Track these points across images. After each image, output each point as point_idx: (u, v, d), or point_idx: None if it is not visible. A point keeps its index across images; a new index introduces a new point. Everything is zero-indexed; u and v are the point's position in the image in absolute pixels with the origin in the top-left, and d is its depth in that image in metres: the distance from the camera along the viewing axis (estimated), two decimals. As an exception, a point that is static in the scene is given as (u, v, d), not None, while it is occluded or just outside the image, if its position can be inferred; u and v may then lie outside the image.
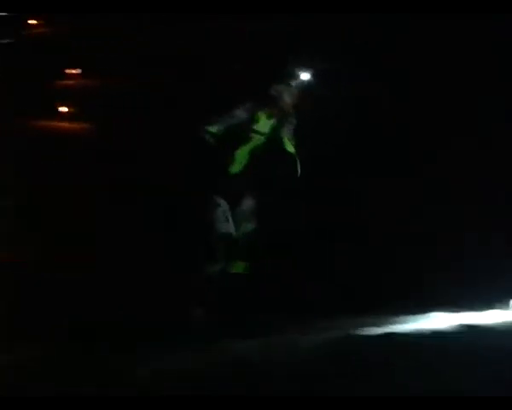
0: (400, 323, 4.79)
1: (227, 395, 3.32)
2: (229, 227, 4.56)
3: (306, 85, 4.72)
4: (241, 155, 4.58)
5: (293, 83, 4.62)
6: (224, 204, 4.57)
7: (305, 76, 4.68)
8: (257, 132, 4.58)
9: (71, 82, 7.86)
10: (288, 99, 4.56)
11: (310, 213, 5.39)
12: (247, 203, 4.64)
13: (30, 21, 7.66)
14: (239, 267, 4.66)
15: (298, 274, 5.18)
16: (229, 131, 4.51)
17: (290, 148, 4.62)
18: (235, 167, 4.58)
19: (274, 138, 4.57)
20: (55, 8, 6.59)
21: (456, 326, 4.67)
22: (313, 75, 4.74)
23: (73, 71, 7.73)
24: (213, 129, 4.48)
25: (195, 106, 6.23)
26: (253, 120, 4.53)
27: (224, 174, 4.59)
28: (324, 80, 4.94)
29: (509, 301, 5.25)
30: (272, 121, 4.59)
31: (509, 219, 6.35)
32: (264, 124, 4.58)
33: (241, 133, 4.53)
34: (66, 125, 7.66)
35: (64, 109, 7.66)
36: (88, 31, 7.50)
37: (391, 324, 4.76)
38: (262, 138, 4.58)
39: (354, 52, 6.81)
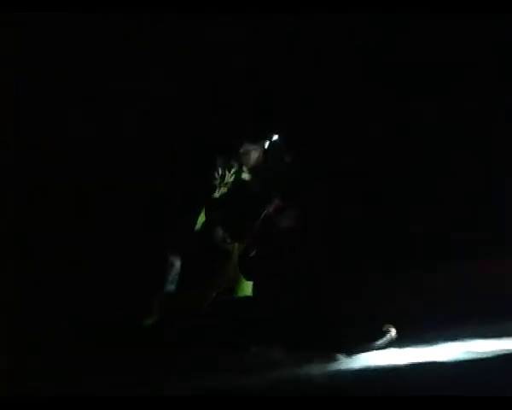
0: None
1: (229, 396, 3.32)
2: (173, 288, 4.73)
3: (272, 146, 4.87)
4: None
5: (262, 143, 4.83)
6: (177, 265, 4.74)
7: (272, 138, 4.86)
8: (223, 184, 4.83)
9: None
10: (254, 156, 4.81)
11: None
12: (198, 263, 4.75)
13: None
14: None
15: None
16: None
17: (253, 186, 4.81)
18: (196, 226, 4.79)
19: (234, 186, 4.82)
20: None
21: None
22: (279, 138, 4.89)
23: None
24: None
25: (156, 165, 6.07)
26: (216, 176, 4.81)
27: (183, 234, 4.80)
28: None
29: None
30: (233, 173, 4.84)
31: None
32: (228, 176, 4.84)
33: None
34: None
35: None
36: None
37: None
38: (224, 189, 4.82)
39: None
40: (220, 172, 4.83)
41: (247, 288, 4.64)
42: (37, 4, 6.60)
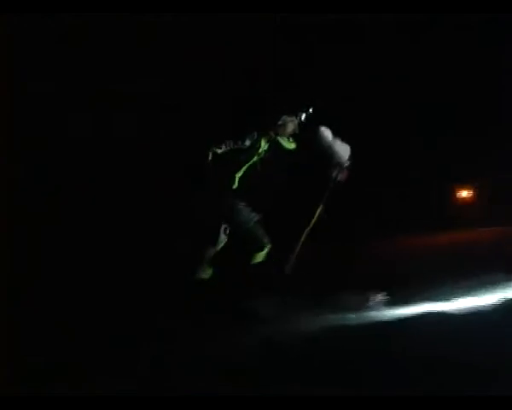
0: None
1: (228, 395, 3.33)
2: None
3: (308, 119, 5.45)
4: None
5: (298, 115, 5.39)
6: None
7: (308, 111, 5.45)
8: (258, 153, 5.35)
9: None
10: (290, 127, 5.38)
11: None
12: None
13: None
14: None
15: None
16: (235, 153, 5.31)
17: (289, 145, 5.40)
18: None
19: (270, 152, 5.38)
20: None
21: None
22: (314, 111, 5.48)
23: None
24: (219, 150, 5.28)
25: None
26: (256, 144, 5.32)
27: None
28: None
29: None
30: (268, 142, 5.39)
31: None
32: (264, 145, 5.37)
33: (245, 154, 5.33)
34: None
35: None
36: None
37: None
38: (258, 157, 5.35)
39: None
40: (255, 143, 5.31)
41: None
42: (36, 5, 6.61)
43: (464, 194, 8.53)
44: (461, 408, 3.04)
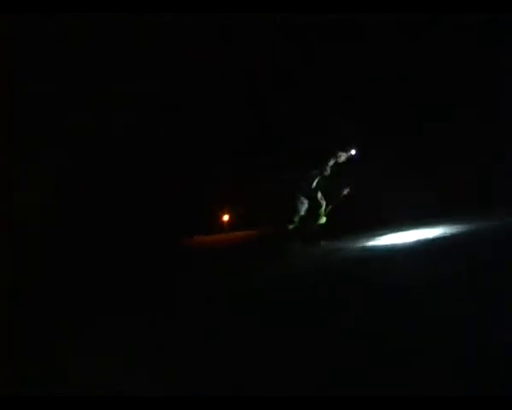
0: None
1: (226, 396, 3.33)
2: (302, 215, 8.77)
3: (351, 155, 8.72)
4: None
5: (347, 152, 8.65)
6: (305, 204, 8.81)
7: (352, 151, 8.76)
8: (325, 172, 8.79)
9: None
10: (342, 158, 8.62)
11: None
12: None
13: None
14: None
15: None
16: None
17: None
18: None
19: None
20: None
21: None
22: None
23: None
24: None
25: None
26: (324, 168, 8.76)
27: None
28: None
29: None
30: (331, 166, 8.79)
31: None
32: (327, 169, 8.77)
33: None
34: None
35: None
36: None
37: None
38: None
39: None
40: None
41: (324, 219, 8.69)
42: (36, 5, 6.60)
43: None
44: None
